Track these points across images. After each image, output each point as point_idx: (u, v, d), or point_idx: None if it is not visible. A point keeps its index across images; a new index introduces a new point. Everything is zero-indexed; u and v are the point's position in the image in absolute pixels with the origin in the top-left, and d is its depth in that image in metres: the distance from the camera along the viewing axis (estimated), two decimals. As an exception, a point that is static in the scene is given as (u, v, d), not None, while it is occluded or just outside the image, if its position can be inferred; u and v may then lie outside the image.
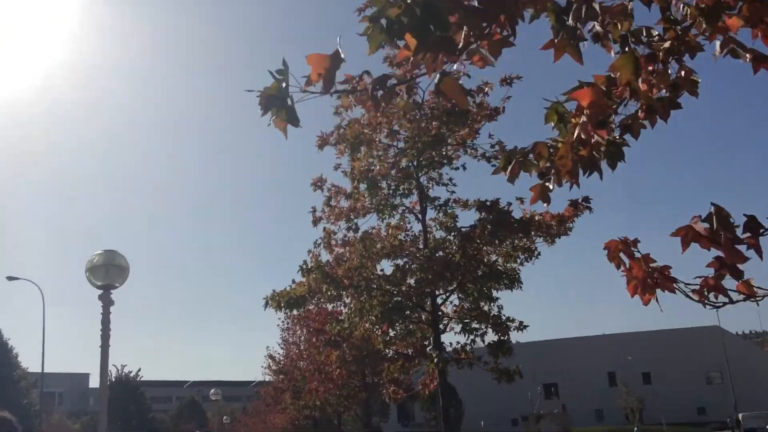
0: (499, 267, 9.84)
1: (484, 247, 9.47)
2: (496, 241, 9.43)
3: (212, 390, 37.18)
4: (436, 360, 9.12)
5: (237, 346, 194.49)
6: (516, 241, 9.60)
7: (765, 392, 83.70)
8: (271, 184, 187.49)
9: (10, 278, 46.11)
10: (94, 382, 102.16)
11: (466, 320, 10.08)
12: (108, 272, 9.63)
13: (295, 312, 10.00)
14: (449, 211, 9.86)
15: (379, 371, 18.12)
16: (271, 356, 37.35)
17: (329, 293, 9.62)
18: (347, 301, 10.69)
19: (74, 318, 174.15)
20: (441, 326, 10.23)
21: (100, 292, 9.61)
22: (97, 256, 9.66)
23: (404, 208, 10.53)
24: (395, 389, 14.12)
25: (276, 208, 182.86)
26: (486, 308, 10.30)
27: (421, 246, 10.34)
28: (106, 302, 9.55)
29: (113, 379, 70.28)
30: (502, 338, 9.67)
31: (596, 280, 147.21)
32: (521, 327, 9.80)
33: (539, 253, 9.71)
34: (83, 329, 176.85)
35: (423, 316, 10.57)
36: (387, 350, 10.73)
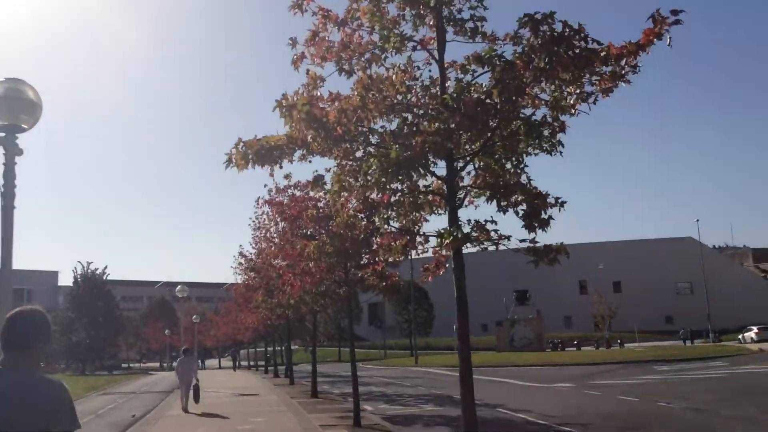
0: (535, 120, 7.40)
1: (530, 87, 7.00)
2: (545, 80, 6.94)
3: (178, 287, 35.12)
4: (455, 234, 6.82)
5: (213, 247, 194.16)
6: (566, 84, 7.14)
7: (736, 303, 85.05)
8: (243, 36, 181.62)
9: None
10: (64, 280, 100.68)
11: (491, 189, 7.69)
12: (12, 107, 7.06)
13: (268, 170, 7.38)
14: (480, 34, 7.25)
15: (362, 264, 16.00)
16: (242, 254, 35.23)
17: (316, 143, 7.11)
18: (335, 162, 8.18)
19: (38, 212, 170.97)
20: (460, 195, 7.84)
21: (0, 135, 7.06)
22: (-5, 85, 7.06)
23: (414, 43, 7.90)
24: (386, 275, 11.99)
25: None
26: (513, 178, 7.93)
27: (436, 92, 7.81)
28: (11, 150, 7.02)
29: (78, 276, 68.40)
30: (539, 210, 7.32)
31: (573, 186, 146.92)
32: (559, 203, 7.47)
33: (596, 100, 7.27)
34: (48, 223, 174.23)
35: (433, 184, 8.17)
36: (384, 227, 8.33)
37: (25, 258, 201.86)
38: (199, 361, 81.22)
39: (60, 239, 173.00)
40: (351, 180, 7.93)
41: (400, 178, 7.12)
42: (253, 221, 29.47)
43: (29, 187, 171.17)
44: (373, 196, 9.31)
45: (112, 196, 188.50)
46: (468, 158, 7.94)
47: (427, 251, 8.27)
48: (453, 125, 6.84)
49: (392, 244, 8.33)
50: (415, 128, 7.26)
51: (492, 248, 7.58)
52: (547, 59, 6.53)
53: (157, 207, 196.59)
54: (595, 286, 79.83)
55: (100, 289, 68.98)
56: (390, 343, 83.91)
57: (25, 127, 7.23)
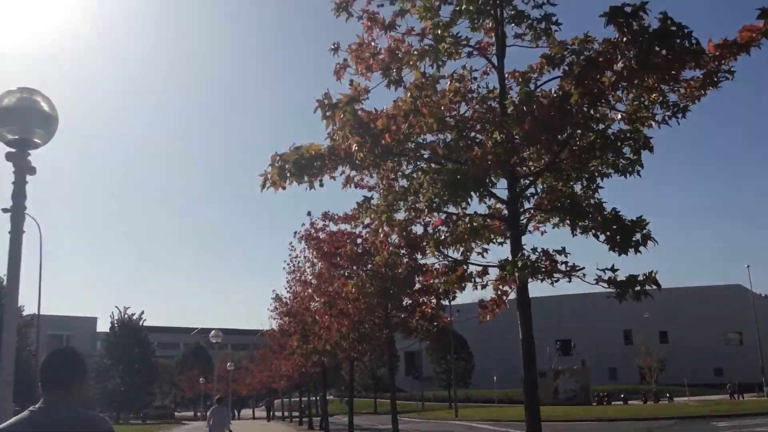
0: (613, 132, 6.41)
1: (612, 94, 6.01)
2: (624, 87, 5.96)
3: (212, 332, 34.30)
4: (519, 266, 5.81)
5: (251, 294, 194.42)
6: (648, 92, 6.16)
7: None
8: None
9: (5, 210, 42.89)
10: (102, 326, 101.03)
11: (563, 212, 6.65)
12: (24, 119, 6.34)
13: (305, 185, 6.41)
14: (546, 35, 6.28)
15: (404, 306, 14.97)
16: (277, 297, 34.31)
17: (361, 153, 6.17)
18: (382, 183, 7.24)
19: (77, 258, 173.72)
20: (522, 221, 6.81)
21: (10, 151, 6.29)
22: (7, 95, 6.36)
23: (470, 48, 7.02)
24: (432, 315, 10.86)
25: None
26: (584, 200, 6.90)
27: (494, 105, 6.89)
28: (22, 167, 6.25)
29: (115, 321, 68.28)
30: (631, 231, 6.23)
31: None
32: (643, 225, 6.38)
33: (685, 110, 6.26)
34: (86, 271, 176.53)
35: (492, 207, 7.17)
36: (435, 254, 7.30)
37: (64, 304, 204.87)
38: (235, 411, 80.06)
39: (99, 285, 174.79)
40: (400, 202, 6.96)
41: (455, 198, 6.16)
42: (288, 264, 28.71)
43: (70, 231, 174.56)
44: (418, 227, 8.37)
45: (151, 242, 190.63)
46: (532, 177, 6.95)
47: (485, 285, 7.21)
48: (519, 135, 5.89)
49: (445, 275, 7.27)
50: (471, 141, 6.33)
51: (563, 281, 6.48)
52: (637, 59, 5.55)
53: (195, 252, 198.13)
54: (641, 336, 76.78)
55: (137, 335, 68.67)
56: (428, 394, 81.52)
57: (39, 141, 6.46)
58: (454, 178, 5.93)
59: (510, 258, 6.50)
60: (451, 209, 6.98)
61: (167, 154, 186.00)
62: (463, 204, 6.37)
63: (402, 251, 14.07)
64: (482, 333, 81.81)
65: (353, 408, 25.01)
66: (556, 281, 6.52)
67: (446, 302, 16.32)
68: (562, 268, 6.52)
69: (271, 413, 68.49)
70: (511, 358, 76.14)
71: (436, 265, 13.68)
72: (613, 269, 6.34)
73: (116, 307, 74.60)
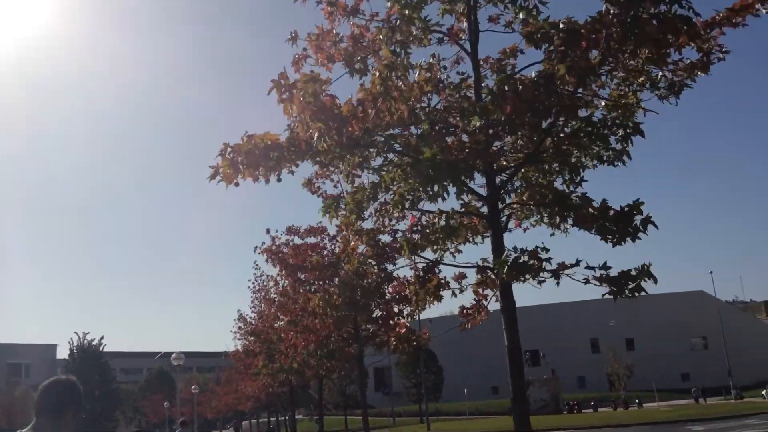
0: (598, 120, 5.89)
1: (597, 78, 5.49)
2: (608, 68, 5.46)
3: (174, 355, 33.10)
4: (509, 263, 5.22)
5: (213, 317, 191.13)
6: (633, 75, 5.67)
7: (754, 358, 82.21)
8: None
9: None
10: (62, 353, 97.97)
11: (547, 206, 6.08)
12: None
13: (261, 179, 5.61)
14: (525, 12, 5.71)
15: (374, 318, 14.28)
16: (241, 317, 33.34)
17: (324, 143, 5.45)
18: (345, 180, 6.54)
19: (37, 285, 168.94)
20: (502, 218, 6.22)
21: None
22: None
23: (440, 34, 6.44)
24: (407, 334, 10.21)
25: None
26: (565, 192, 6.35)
27: (469, 94, 6.31)
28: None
29: (74, 348, 66.10)
30: (620, 221, 5.67)
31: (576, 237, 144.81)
32: (640, 209, 5.81)
33: (682, 88, 5.78)
34: (46, 298, 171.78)
35: (468, 202, 6.57)
36: (410, 260, 6.67)
37: (23, 332, 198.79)
38: (201, 434, 78.03)
39: (59, 312, 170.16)
40: (370, 200, 6.31)
41: (431, 191, 5.54)
42: (253, 283, 27.92)
43: (27, 258, 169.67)
44: (386, 237, 7.73)
45: (110, 266, 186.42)
46: (512, 170, 6.39)
47: (464, 290, 6.59)
48: (500, 121, 5.31)
49: (420, 285, 6.63)
50: (446, 130, 5.75)
51: (549, 281, 5.89)
52: (625, 27, 5.02)
53: (156, 275, 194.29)
54: (608, 344, 77.02)
55: (97, 361, 66.57)
56: (398, 409, 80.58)
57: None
58: (429, 167, 5.31)
59: (492, 258, 5.91)
60: (426, 206, 6.38)
61: (128, 176, 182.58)
62: (439, 199, 5.77)
63: (371, 261, 13.46)
64: (451, 346, 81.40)
65: (323, 427, 24.17)
66: (542, 282, 5.96)
67: (416, 316, 15.73)
68: (550, 266, 5.95)
69: (239, 435, 66.85)
70: (480, 370, 75.94)
71: (408, 276, 13.13)
72: (605, 266, 5.79)
73: (75, 332, 72.32)
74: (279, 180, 5.83)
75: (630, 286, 5.70)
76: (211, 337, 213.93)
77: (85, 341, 66.71)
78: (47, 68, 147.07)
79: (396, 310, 14.15)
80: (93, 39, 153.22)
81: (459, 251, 7.04)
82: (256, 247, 15.82)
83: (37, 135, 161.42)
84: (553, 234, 7.14)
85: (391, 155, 6.08)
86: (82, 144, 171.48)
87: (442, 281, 6.49)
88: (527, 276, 5.66)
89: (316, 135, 5.38)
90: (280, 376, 24.58)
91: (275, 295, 23.84)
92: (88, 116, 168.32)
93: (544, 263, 5.87)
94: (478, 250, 6.86)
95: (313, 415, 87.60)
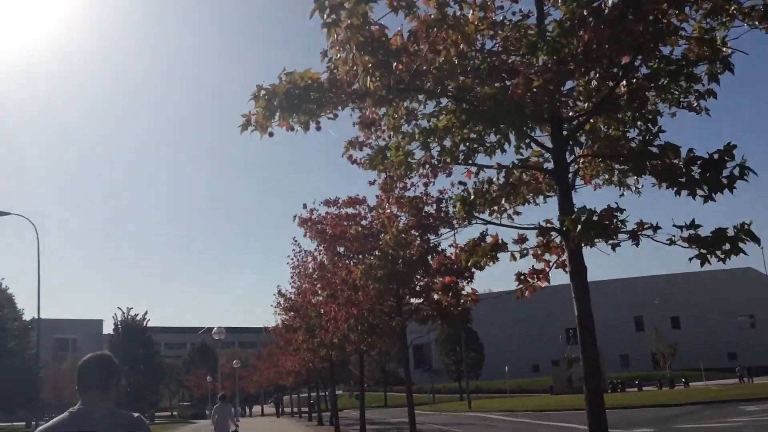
0: (682, 55, 5.11)
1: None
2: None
3: (215, 329, 33.13)
4: (584, 221, 4.54)
5: (257, 292, 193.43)
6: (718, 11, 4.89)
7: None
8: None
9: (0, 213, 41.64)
10: (108, 328, 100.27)
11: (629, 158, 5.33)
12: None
13: (299, 127, 4.92)
14: None
15: (417, 291, 13.67)
16: (280, 293, 33.12)
17: (371, 81, 4.76)
18: (389, 124, 5.73)
19: (85, 261, 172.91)
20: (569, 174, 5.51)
21: None
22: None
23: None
24: (449, 281, 9.47)
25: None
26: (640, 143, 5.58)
27: (531, 33, 5.54)
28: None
29: (119, 323, 67.22)
30: (711, 170, 4.91)
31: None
32: (732, 154, 5.02)
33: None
34: (94, 274, 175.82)
35: (530, 157, 5.85)
36: (461, 222, 5.98)
37: (70, 308, 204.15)
38: (245, 408, 79.05)
39: (106, 288, 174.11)
40: (421, 150, 5.59)
41: (489, 143, 4.85)
42: (291, 259, 27.55)
43: (73, 236, 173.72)
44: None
45: (158, 244, 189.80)
46: (581, 119, 5.64)
47: (525, 254, 5.89)
48: (573, 54, 4.57)
49: (476, 246, 5.92)
50: (508, 71, 5.03)
51: (625, 244, 5.19)
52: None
53: (203, 252, 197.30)
54: (652, 323, 75.39)
55: (141, 336, 67.55)
56: (437, 386, 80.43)
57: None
58: (492, 109, 4.61)
59: (558, 219, 5.23)
60: (481, 160, 5.68)
61: (171, 153, 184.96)
62: (498, 151, 5.11)
63: (413, 232, 12.83)
64: (492, 324, 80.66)
65: (364, 402, 23.82)
66: (616, 246, 5.25)
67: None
68: (625, 228, 5.23)
69: (280, 409, 67.42)
70: (521, 348, 75.19)
71: (456, 243, 12.45)
72: (694, 225, 5.05)
73: (119, 308, 73.53)
74: (318, 128, 5.19)
75: (725, 248, 4.96)
76: (254, 314, 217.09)
77: (129, 316, 67.71)
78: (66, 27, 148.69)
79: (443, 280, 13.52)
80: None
81: (517, 213, 6.35)
82: (294, 216, 15.31)
83: (77, 113, 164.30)
84: (622, 195, 6.41)
85: (443, 101, 5.40)
86: (123, 119, 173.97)
87: (500, 242, 5.81)
88: (602, 237, 4.97)
89: (360, 71, 4.73)
90: (321, 351, 24.23)
91: (314, 270, 23.45)
92: (126, 88, 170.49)
93: (620, 223, 5.16)
94: (538, 213, 6.15)
95: (353, 391, 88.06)
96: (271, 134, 5.07)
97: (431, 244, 13.27)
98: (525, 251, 5.80)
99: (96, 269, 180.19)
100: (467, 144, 5.26)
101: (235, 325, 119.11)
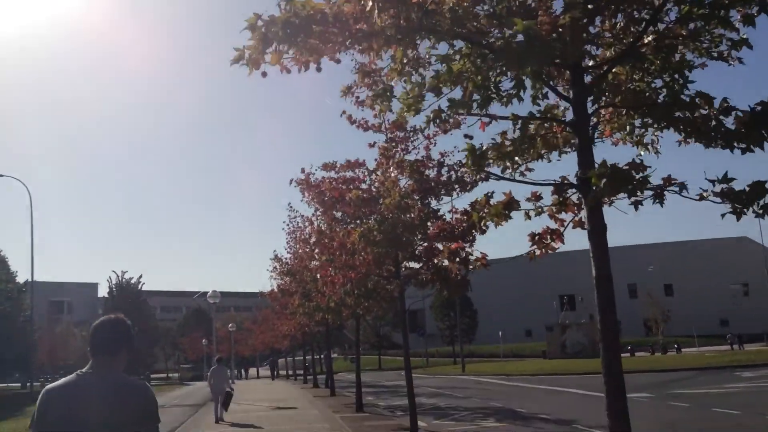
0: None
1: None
2: None
3: (209, 293, 32.95)
4: (608, 175, 4.19)
5: (254, 256, 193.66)
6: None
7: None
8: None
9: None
10: (103, 291, 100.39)
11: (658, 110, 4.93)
12: None
13: (294, 62, 4.45)
14: None
15: (416, 255, 13.34)
16: (276, 257, 32.89)
17: (381, 17, 4.29)
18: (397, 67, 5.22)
19: (78, 224, 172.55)
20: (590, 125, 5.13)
21: None
22: None
23: None
24: (456, 247, 9.16)
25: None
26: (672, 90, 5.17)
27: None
28: None
29: (113, 286, 67.08)
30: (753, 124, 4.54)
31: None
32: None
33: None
34: (88, 237, 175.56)
35: (548, 107, 5.45)
36: (473, 174, 5.57)
37: (65, 271, 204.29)
38: (242, 370, 79.54)
39: (101, 252, 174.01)
40: (431, 93, 5.15)
41: (505, 90, 4.43)
42: (287, 224, 27.24)
43: (69, 199, 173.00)
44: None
45: (153, 207, 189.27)
46: (604, 68, 5.23)
47: (541, 213, 5.53)
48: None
49: (486, 203, 5.53)
50: (524, 8, 4.60)
51: (648, 202, 4.85)
52: None
53: (198, 216, 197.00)
54: (645, 290, 75.71)
55: (135, 299, 67.46)
56: (431, 351, 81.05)
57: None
58: (524, 45, 4.16)
59: (577, 174, 4.87)
60: (495, 110, 5.26)
61: (165, 116, 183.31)
62: (514, 100, 4.70)
63: (415, 196, 12.49)
64: (486, 289, 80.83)
65: (360, 365, 23.75)
66: (639, 204, 4.90)
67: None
68: (651, 183, 4.87)
69: (275, 372, 67.84)
70: (514, 313, 75.42)
71: (453, 208, 12.10)
72: (727, 179, 4.70)
73: (113, 271, 73.41)
74: (319, 69, 4.72)
75: (763, 202, 4.61)
76: (250, 278, 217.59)
77: (124, 279, 67.54)
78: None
79: (441, 247, 13.21)
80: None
81: (530, 170, 5.98)
82: (291, 180, 14.90)
83: (69, 73, 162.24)
84: (640, 155, 6.04)
85: (458, 43, 4.96)
86: (116, 79, 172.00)
87: (513, 200, 5.44)
88: (627, 192, 4.61)
89: (369, 5, 4.27)
90: (317, 315, 24.07)
91: (311, 235, 23.15)
92: (117, 49, 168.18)
93: (645, 179, 4.80)
94: (549, 172, 5.77)
95: (347, 354, 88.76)
96: (264, 74, 4.63)
97: (432, 209, 12.95)
98: (540, 209, 5.44)
99: (91, 232, 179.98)
100: (482, 92, 4.87)
101: (231, 289, 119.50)
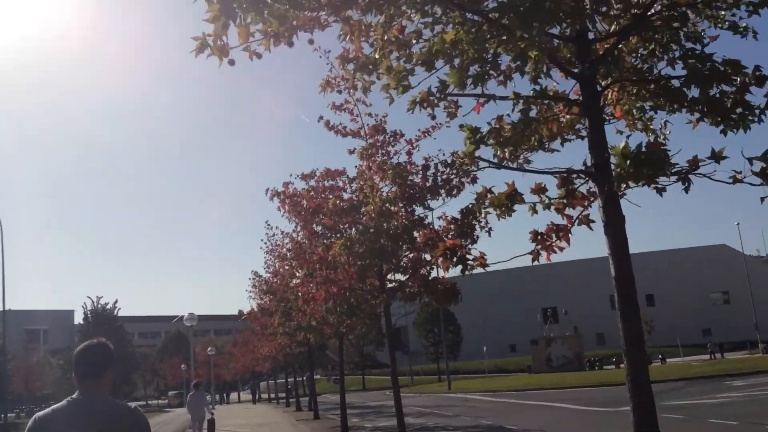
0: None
1: None
2: None
3: (186, 315, 31.95)
4: (634, 157, 3.58)
5: (233, 279, 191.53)
6: None
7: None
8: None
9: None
10: (79, 318, 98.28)
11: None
12: None
13: (263, 35, 3.83)
14: None
15: (401, 266, 12.67)
16: (255, 274, 31.98)
17: None
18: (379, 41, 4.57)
19: (43, 252, 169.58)
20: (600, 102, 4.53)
21: None
22: None
23: None
24: (452, 243, 8.49)
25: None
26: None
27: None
28: None
29: (88, 312, 65.50)
30: None
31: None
32: None
33: None
34: (57, 264, 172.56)
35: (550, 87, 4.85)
36: (467, 162, 4.87)
37: (41, 299, 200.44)
38: (223, 395, 77.88)
39: (77, 279, 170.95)
40: (422, 67, 4.51)
41: (502, 68, 3.78)
42: (266, 243, 26.41)
43: (45, 226, 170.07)
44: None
45: (128, 233, 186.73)
46: (613, 40, 4.64)
47: (549, 206, 4.88)
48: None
49: (487, 195, 4.85)
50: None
51: (671, 186, 4.27)
52: None
53: (176, 241, 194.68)
54: (628, 300, 75.45)
55: (111, 324, 65.94)
56: (416, 368, 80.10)
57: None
58: (528, 6, 3.53)
59: (589, 158, 4.25)
60: (492, 88, 4.63)
61: (137, 137, 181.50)
62: (518, 71, 4.10)
63: (399, 203, 11.82)
64: (469, 305, 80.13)
65: (344, 386, 22.91)
66: (662, 191, 4.29)
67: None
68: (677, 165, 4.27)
69: (257, 396, 66.47)
70: (498, 328, 74.75)
71: (443, 215, 11.47)
72: (766, 157, 4.10)
73: (88, 297, 71.78)
74: (291, 44, 4.07)
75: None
76: (229, 302, 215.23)
77: (99, 305, 66.04)
78: None
79: (428, 258, 12.54)
80: None
81: (528, 161, 5.36)
82: (267, 190, 14.15)
83: (39, 97, 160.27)
84: (650, 140, 5.44)
85: (451, 12, 4.31)
86: (88, 103, 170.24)
87: (516, 192, 4.79)
88: (653, 174, 4.00)
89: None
90: (298, 334, 23.23)
91: (290, 251, 22.37)
92: (90, 69, 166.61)
93: (671, 158, 4.20)
94: (549, 164, 5.13)
95: (330, 375, 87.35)
96: (231, 62, 3.96)
97: (417, 217, 12.29)
98: (548, 201, 4.80)
99: (67, 259, 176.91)
100: (478, 67, 4.26)
101: (211, 313, 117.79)
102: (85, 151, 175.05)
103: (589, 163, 4.46)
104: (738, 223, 70.06)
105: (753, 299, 66.38)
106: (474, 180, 11.96)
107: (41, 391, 79.59)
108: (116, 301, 67.38)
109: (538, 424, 19.97)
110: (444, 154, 11.86)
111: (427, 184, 11.90)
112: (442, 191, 11.91)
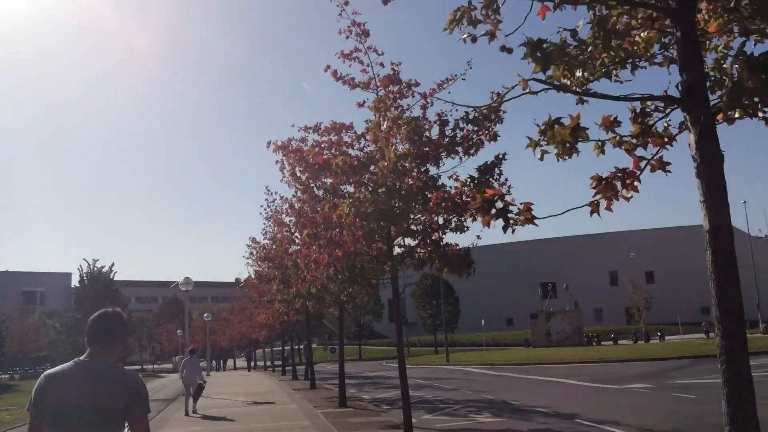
0: None
1: None
2: None
3: (181, 280, 31.18)
4: (734, 86, 2.70)
5: (232, 246, 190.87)
6: None
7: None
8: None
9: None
10: (76, 281, 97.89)
11: None
12: None
13: None
14: None
15: (412, 230, 11.74)
16: (253, 240, 31.09)
17: None
18: None
19: (44, 214, 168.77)
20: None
21: None
22: None
23: None
24: (492, 193, 7.63)
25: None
26: None
27: None
28: None
29: (84, 275, 64.70)
30: None
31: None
32: None
33: None
34: (62, 225, 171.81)
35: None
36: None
37: (38, 261, 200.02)
38: (220, 361, 77.55)
39: (75, 241, 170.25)
40: None
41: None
42: (265, 209, 25.46)
43: (43, 190, 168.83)
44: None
45: (129, 197, 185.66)
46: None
47: (622, 143, 3.98)
48: None
49: (550, 129, 3.94)
50: None
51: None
52: None
53: (176, 205, 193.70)
54: (627, 277, 74.97)
55: (107, 288, 65.08)
56: (413, 339, 79.83)
57: None
58: None
59: (681, 81, 3.35)
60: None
61: (140, 102, 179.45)
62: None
63: (412, 162, 10.89)
64: (468, 280, 79.59)
65: (343, 356, 22.19)
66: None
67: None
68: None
69: (252, 363, 66.10)
70: (496, 302, 74.16)
71: (454, 175, 10.58)
72: None
73: (84, 259, 70.87)
74: None
75: None
76: (228, 268, 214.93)
77: (95, 268, 65.12)
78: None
79: (441, 221, 11.65)
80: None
81: (588, 92, 4.42)
82: (269, 143, 13.09)
83: (36, 55, 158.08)
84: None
85: None
86: (82, 60, 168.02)
87: (580, 126, 3.89)
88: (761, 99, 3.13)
89: None
90: (296, 302, 22.39)
91: (291, 217, 21.47)
92: (82, 24, 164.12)
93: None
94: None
95: (326, 344, 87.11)
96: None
97: (430, 177, 11.39)
98: (618, 139, 3.91)
99: (68, 222, 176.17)
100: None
101: (209, 279, 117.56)
102: (85, 112, 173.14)
103: (674, 90, 3.57)
104: (744, 202, 69.08)
105: (756, 279, 65.72)
106: (494, 137, 11.06)
107: (36, 353, 79.27)
108: (113, 265, 66.38)
109: (539, 399, 19.30)
110: (458, 111, 10.88)
111: (444, 141, 10.96)
112: (459, 149, 10.97)
